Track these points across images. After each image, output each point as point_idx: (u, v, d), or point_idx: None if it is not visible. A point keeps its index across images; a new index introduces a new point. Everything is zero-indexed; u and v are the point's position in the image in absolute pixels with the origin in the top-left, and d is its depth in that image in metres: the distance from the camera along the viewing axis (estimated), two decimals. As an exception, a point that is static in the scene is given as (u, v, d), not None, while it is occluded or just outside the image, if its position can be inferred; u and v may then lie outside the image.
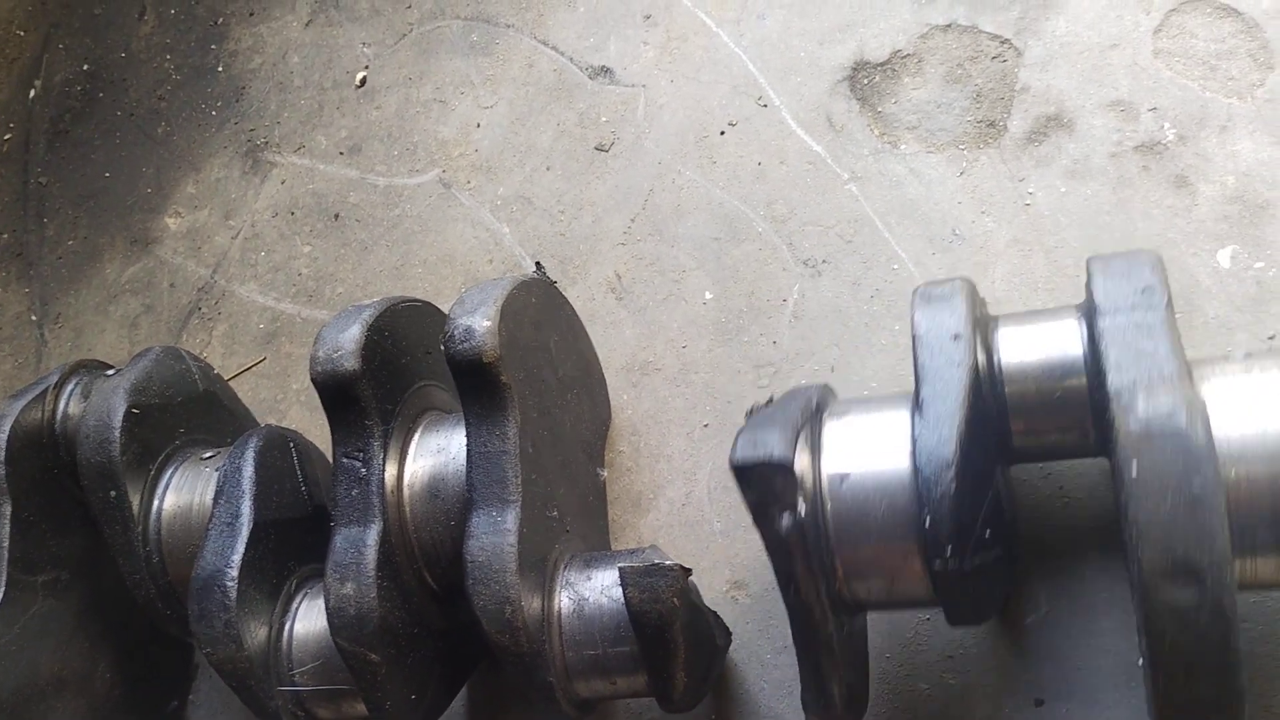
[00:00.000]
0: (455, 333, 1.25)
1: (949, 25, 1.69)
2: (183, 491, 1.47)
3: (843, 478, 1.13)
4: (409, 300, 1.44)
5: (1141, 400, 0.95)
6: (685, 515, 1.55)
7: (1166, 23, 1.56)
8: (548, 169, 1.89)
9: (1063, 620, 1.30)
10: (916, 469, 1.08)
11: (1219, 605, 0.89)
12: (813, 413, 1.17)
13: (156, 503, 1.47)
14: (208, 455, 1.51)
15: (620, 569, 1.19)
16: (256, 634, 1.33)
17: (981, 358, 1.15)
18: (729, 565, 1.49)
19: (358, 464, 1.30)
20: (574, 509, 1.41)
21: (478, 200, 1.92)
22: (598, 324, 1.71)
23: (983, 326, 1.19)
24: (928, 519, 1.07)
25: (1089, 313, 1.11)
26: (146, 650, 1.63)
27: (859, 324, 1.56)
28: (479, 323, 1.25)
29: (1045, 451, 1.25)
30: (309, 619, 1.38)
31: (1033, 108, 1.59)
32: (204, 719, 1.73)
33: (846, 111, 1.71)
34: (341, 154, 2.11)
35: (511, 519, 1.22)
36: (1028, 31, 1.64)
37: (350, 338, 1.29)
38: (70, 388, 1.55)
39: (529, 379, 1.32)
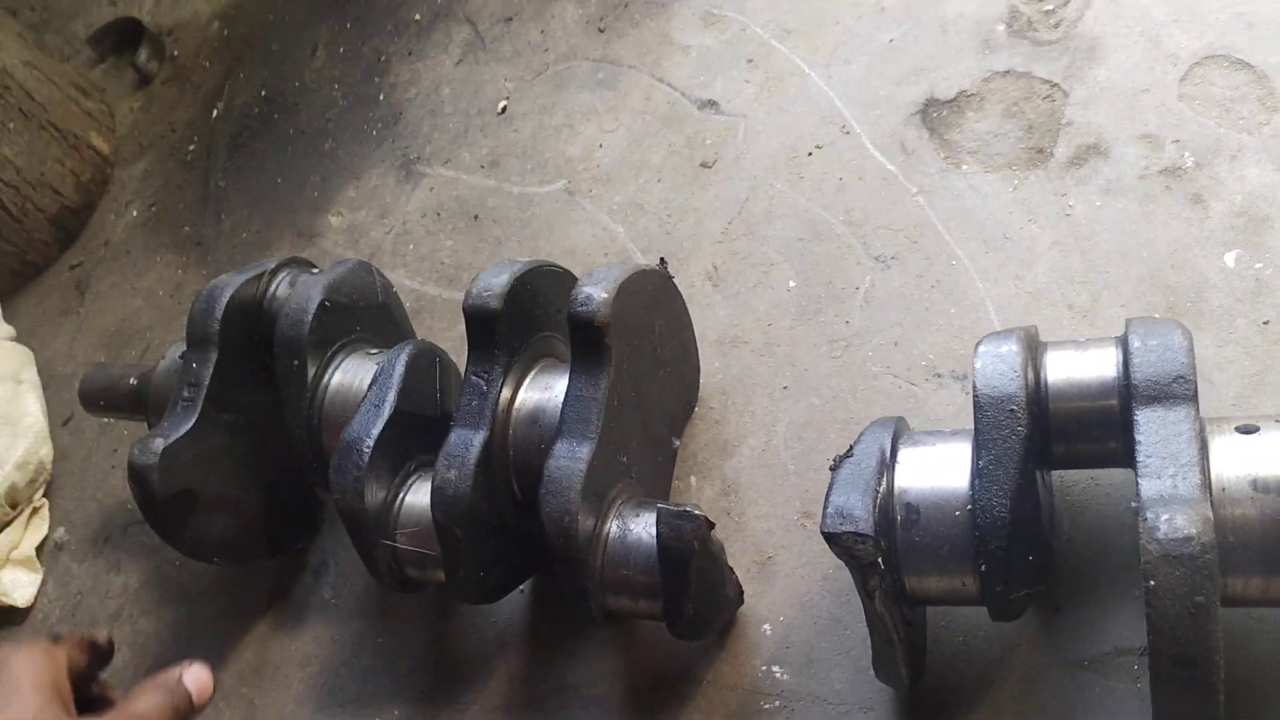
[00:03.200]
0: (579, 296, 1.56)
1: (1007, 71, 2.02)
2: (347, 374, 1.84)
3: (913, 521, 1.37)
4: (553, 265, 1.77)
5: (1164, 525, 1.13)
6: (764, 458, 1.84)
7: (1190, 73, 1.86)
8: (658, 181, 2.24)
9: (1081, 539, 1.56)
10: (975, 524, 1.32)
11: (1208, 681, 1.14)
12: (887, 463, 1.40)
13: (326, 378, 1.83)
14: (373, 351, 1.86)
15: (658, 508, 1.48)
16: (376, 494, 1.67)
17: (1034, 384, 1.36)
18: (800, 499, 1.77)
19: (482, 382, 1.63)
20: (643, 463, 1.71)
21: (597, 206, 2.27)
22: (695, 306, 2.02)
23: (1034, 354, 1.41)
24: (983, 566, 1.32)
25: (1126, 386, 1.31)
26: (289, 497, 1.99)
27: (920, 308, 1.86)
28: (598, 293, 1.56)
29: (1081, 460, 1.45)
30: (418, 495, 1.70)
31: (1075, 138, 1.89)
32: (319, 560, 2.07)
33: (917, 138, 2.03)
34: (482, 167, 2.48)
35: (586, 451, 1.52)
36: (1074, 78, 1.95)
37: (499, 282, 1.63)
38: (281, 275, 1.93)
39: (628, 348, 1.62)
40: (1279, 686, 1.38)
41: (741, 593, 1.66)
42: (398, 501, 1.72)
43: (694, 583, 1.49)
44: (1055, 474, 1.57)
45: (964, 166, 1.96)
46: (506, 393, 1.67)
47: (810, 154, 2.12)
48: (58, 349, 2.81)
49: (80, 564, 2.39)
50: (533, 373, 1.71)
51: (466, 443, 1.61)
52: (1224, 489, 1.23)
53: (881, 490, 1.37)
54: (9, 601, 2.35)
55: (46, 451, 2.49)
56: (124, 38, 3.37)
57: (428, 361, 1.81)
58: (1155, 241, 1.75)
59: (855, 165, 2.06)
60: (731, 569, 1.61)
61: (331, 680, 1.98)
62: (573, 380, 1.58)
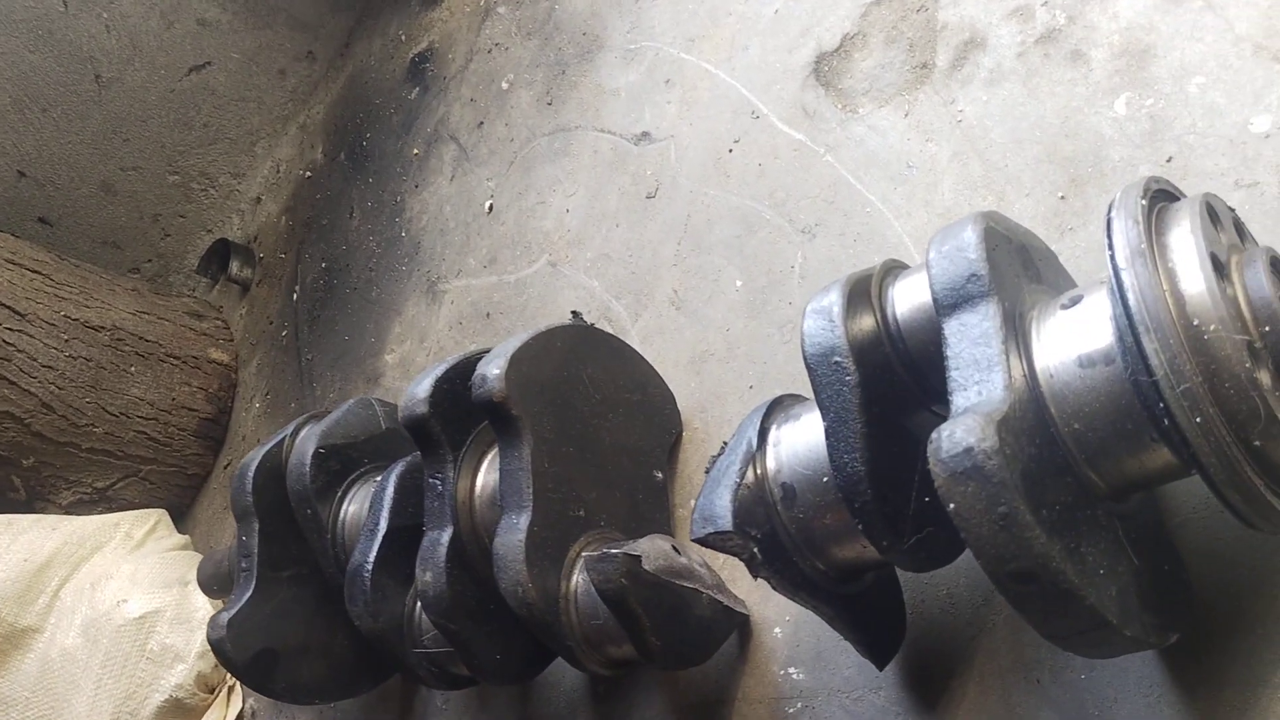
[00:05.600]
0: (475, 380, 1.63)
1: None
2: (357, 504, 1.98)
3: (791, 499, 1.34)
4: (480, 352, 1.86)
5: (944, 442, 1.04)
6: (746, 464, 1.82)
7: (1045, -74, 1.72)
8: (617, 226, 2.29)
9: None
10: (838, 486, 1.26)
11: (1058, 588, 1.04)
12: (754, 450, 1.38)
13: (342, 515, 1.98)
14: (379, 477, 2.00)
15: (584, 557, 1.51)
16: (392, 611, 1.77)
17: (870, 327, 1.29)
18: (781, 494, 1.74)
19: (437, 483, 1.72)
20: (615, 507, 1.73)
21: (575, 269, 2.35)
22: (666, 335, 2.05)
23: (878, 293, 1.32)
24: (860, 526, 1.27)
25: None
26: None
27: (849, 267, 1.79)
28: (490, 371, 1.62)
29: None
30: None
31: (952, 39, 1.79)
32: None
33: (815, 99, 1.98)
34: (485, 267, 2.63)
35: (524, 521, 1.56)
36: (941, -22, 1.85)
37: (423, 389, 1.73)
38: (300, 434, 2.11)
39: (548, 409, 1.66)
40: (1256, 558, 1.22)
41: (726, 608, 1.64)
42: (415, 611, 1.84)
43: (645, 616, 1.51)
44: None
45: (860, 110, 1.89)
46: (464, 484, 1.76)
47: (731, 150, 2.10)
48: (228, 542, 3.18)
49: (268, 726, 2.69)
50: (488, 458, 1.80)
51: (434, 543, 1.72)
52: (1052, 375, 1.13)
53: (752, 479, 1.35)
54: (225, 772, 2.67)
55: (224, 635, 2.82)
56: (224, 258, 3.81)
57: (420, 474, 1.93)
58: (1045, 116, 1.61)
59: (769, 146, 2.03)
60: (698, 589, 1.60)
61: (455, 779, 2.12)
62: (500, 457, 1.66)
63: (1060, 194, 1.56)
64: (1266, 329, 1.03)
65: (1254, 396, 1.00)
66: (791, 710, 1.61)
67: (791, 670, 1.63)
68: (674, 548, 1.60)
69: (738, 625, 1.69)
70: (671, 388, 1.97)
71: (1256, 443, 1.01)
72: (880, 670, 1.46)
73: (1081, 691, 1.32)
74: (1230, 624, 1.22)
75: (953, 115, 1.74)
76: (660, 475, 1.88)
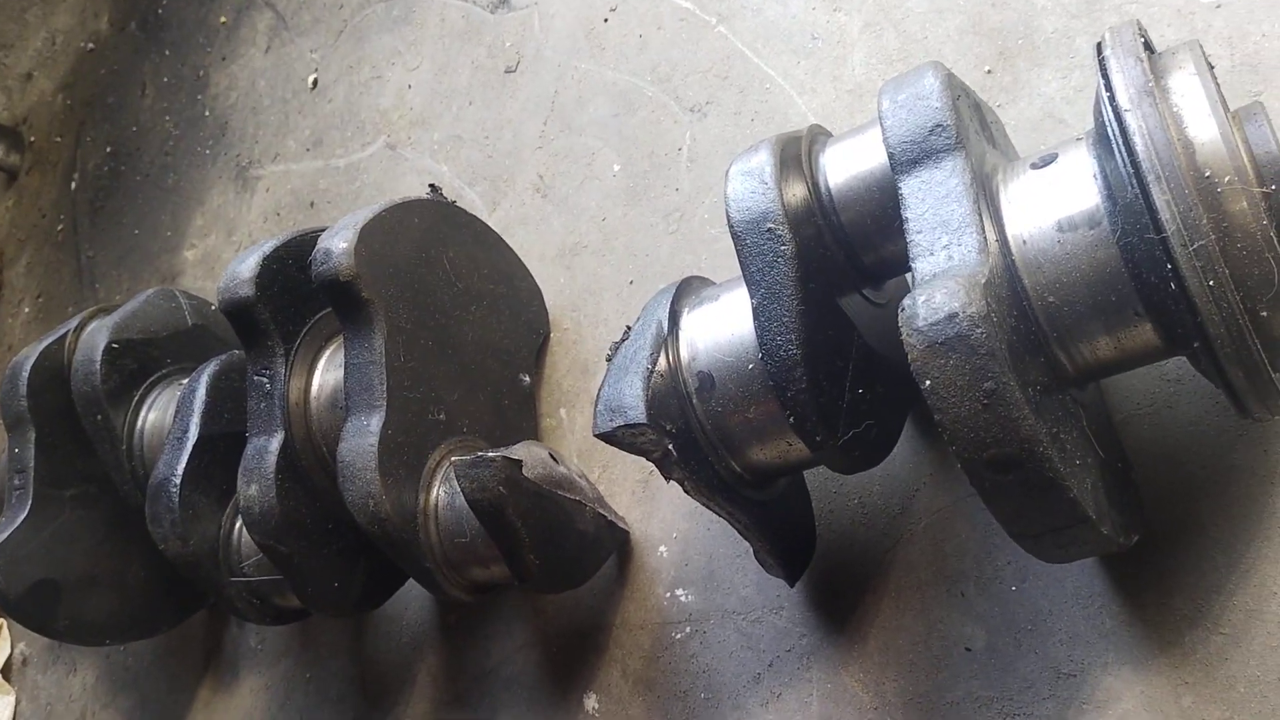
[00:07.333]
0: (316, 256, 1.35)
1: None
2: (159, 411, 1.66)
3: (709, 390, 1.15)
4: (316, 230, 1.57)
5: (921, 308, 0.90)
6: (624, 366, 1.63)
7: None
8: (470, 104, 2.02)
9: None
10: (768, 373, 1.09)
11: (1042, 477, 0.90)
12: (665, 335, 1.18)
13: (139, 423, 1.66)
14: (185, 380, 1.68)
15: (452, 462, 1.28)
16: (205, 532, 1.49)
17: (803, 195, 1.12)
18: (666, 398, 1.56)
19: (264, 380, 1.44)
20: (479, 413, 1.51)
21: (419, 152, 2.07)
22: (529, 225, 1.82)
23: (808, 159, 1.16)
24: (790, 418, 1.09)
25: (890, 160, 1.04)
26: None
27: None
28: (336, 244, 1.35)
29: (895, 267, 1.18)
30: None
31: (864, -101, 1.61)
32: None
33: (705, -38, 1.77)
34: (308, 150, 2.30)
35: (376, 423, 1.32)
36: None
37: (247, 267, 1.43)
38: (87, 330, 1.75)
39: (403, 294, 1.41)
40: (1207, 456, 1.13)
41: (609, 523, 1.45)
42: (234, 533, 1.56)
43: (524, 530, 1.30)
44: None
45: (758, -25, 1.70)
46: (298, 383, 1.48)
47: (606, 20, 1.87)
48: (-11, 467, 2.73)
49: (43, 674, 2.32)
50: (327, 353, 1.53)
51: (261, 451, 1.44)
52: (1025, 241, 0.99)
53: (663, 366, 1.15)
54: (-12, 730, 2.29)
55: (-15, 573, 2.41)
56: (-15, 141, 3.26)
57: (237, 374, 1.63)
58: (971, -17, 1.47)
59: (652, 15, 1.81)
60: (581, 500, 1.40)
61: (275, 727, 1.85)
62: (346, 347, 1.39)
63: (987, 68, 1.41)
64: (1274, 188, 0.91)
65: (1269, 259, 0.88)
66: (678, 636, 1.44)
67: (679, 592, 1.46)
68: (551, 455, 1.40)
69: (619, 544, 1.50)
70: (538, 283, 1.74)
71: (1263, 313, 0.89)
72: (792, 587, 1.30)
73: (1012, 604, 1.21)
74: (1178, 527, 1.13)
75: (865, -18, 1.57)
76: (527, 379, 1.66)
